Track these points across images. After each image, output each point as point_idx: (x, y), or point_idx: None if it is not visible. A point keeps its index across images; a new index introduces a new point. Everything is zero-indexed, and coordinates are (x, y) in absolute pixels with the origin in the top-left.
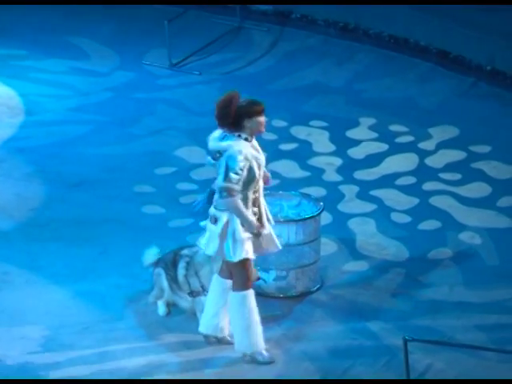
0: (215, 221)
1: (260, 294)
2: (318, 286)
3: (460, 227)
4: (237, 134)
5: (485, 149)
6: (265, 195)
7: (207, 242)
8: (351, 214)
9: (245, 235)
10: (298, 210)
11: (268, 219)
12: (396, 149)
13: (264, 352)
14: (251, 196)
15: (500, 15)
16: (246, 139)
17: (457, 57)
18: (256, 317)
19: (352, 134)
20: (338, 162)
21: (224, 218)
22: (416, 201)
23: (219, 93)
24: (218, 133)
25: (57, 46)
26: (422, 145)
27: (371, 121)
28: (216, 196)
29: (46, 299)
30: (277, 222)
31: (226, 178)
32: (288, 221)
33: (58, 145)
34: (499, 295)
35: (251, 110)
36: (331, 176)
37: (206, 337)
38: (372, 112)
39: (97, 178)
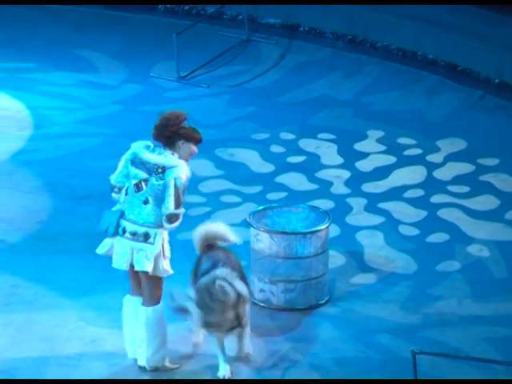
0: (146, 239)
1: (268, 307)
2: (326, 298)
3: (468, 240)
4: (170, 152)
5: (493, 161)
6: (273, 207)
7: (133, 260)
8: (359, 226)
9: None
10: (306, 223)
11: None
12: (404, 161)
13: (168, 362)
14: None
15: (508, 28)
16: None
17: (465, 70)
18: (166, 333)
19: (360, 146)
20: (346, 174)
21: (161, 234)
22: (424, 213)
23: (227, 105)
24: (141, 144)
25: (65, 59)
26: (430, 157)
27: (379, 133)
28: (140, 212)
29: (54, 312)
30: (285, 234)
31: (177, 204)
32: (296, 233)
33: (66, 158)
34: (508, 308)
35: (191, 134)
36: (339, 189)
37: (155, 369)
38: (380, 125)
39: (105, 191)
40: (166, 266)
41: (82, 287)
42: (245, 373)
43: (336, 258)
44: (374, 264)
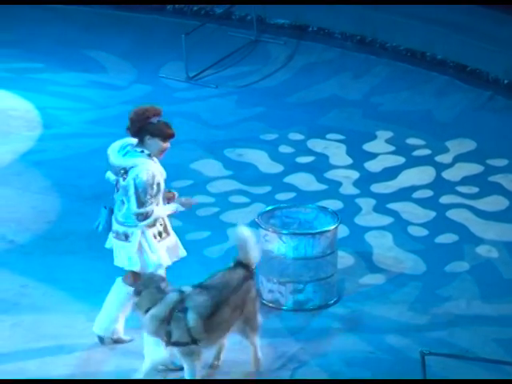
0: (126, 237)
1: (277, 308)
2: (335, 299)
3: (477, 240)
4: (140, 149)
5: (502, 162)
6: (282, 208)
7: (121, 258)
8: (368, 227)
9: (158, 246)
10: (314, 223)
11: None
12: (413, 162)
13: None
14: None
15: None
16: (148, 155)
17: (474, 70)
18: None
19: (369, 147)
20: (354, 175)
21: (137, 233)
22: (433, 214)
23: (236, 106)
24: (117, 145)
25: (74, 60)
26: (439, 158)
27: (388, 134)
28: (120, 212)
29: (63, 312)
30: (294, 234)
31: (140, 203)
32: (305, 234)
33: (74, 158)
34: None
35: (157, 130)
36: (348, 189)
37: (101, 338)
38: (389, 125)
39: (113, 192)
40: (156, 259)
41: (90, 287)
42: (253, 373)
43: (345, 259)
44: (383, 265)
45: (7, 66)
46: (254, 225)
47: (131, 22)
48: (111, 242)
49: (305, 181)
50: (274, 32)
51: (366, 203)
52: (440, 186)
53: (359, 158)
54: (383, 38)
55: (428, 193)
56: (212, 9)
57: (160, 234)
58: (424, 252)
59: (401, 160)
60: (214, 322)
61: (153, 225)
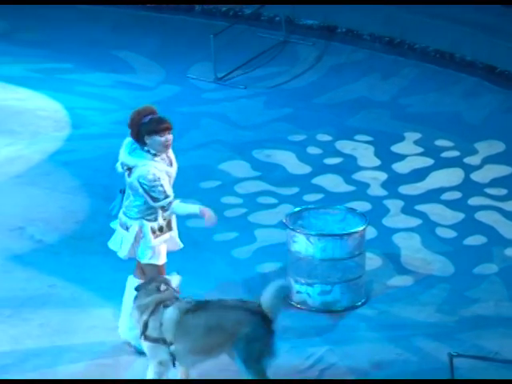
0: (126, 228)
1: (305, 309)
2: (363, 300)
3: (506, 243)
4: (146, 148)
5: None
6: (310, 209)
7: (119, 246)
8: (396, 228)
9: (155, 242)
10: (342, 225)
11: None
12: (441, 164)
13: None
14: None
15: None
16: (154, 155)
17: (503, 71)
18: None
19: (397, 148)
20: (383, 176)
21: (135, 226)
22: (461, 216)
23: (264, 107)
24: (130, 140)
25: (103, 60)
26: (468, 160)
27: (416, 135)
28: (126, 202)
29: (91, 312)
30: (322, 236)
31: (154, 200)
32: (333, 235)
33: (103, 158)
34: None
35: (150, 127)
36: (376, 190)
37: (127, 343)
38: (417, 127)
39: None
40: (149, 255)
41: (118, 287)
42: (280, 373)
43: (373, 260)
44: (411, 266)
45: (36, 66)
46: (281, 226)
47: (160, 22)
48: (115, 224)
49: (333, 182)
50: (302, 33)
51: (394, 205)
52: (468, 187)
53: (387, 159)
54: (412, 39)
55: (456, 194)
56: (241, 9)
57: (161, 228)
58: (452, 254)
59: (429, 161)
60: (198, 343)
61: (154, 219)
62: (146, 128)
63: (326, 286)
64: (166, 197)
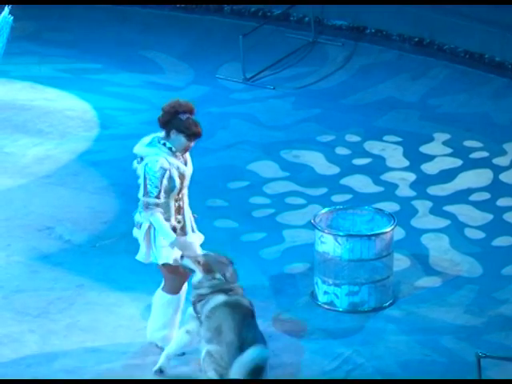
0: (140, 226)
1: (332, 309)
2: (391, 301)
3: None
4: (163, 141)
5: None
6: (338, 209)
7: (139, 249)
8: (424, 229)
9: (165, 242)
10: (370, 225)
11: (192, 228)
12: (470, 164)
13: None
14: (173, 204)
15: None
16: (170, 149)
17: None
18: (175, 320)
19: (426, 149)
20: (411, 177)
21: (145, 224)
22: (490, 217)
23: (293, 107)
24: (147, 139)
25: (132, 60)
26: (497, 160)
27: (445, 136)
28: (139, 202)
29: (119, 312)
30: (350, 236)
31: (145, 192)
32: (361, 236)
33: (131, 158)
34: None
35: (183, 126)
36: (404, 191)
37: (155, 344)
38: (446, 127)
39: None
40: (162, 254)
41: (146, 288)
42: (306, 374)
43: (401, 261)
44: (439, 267)
45: (65, 66)
46: (309, 226)
47: (189, 23)
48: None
49: (361, 183)
50: (331, 33)
51: (423, 205)
52: (497, 188)
53: (416, 160)
54: (441, 39)
55: (485, 195)
56: (270, 10)
57: (174, 229)
58: (481, 255)
59: (458, 162)
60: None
61: (166, 219)
62: (180, 124)
63: (354, 287)
64: (157, 197)
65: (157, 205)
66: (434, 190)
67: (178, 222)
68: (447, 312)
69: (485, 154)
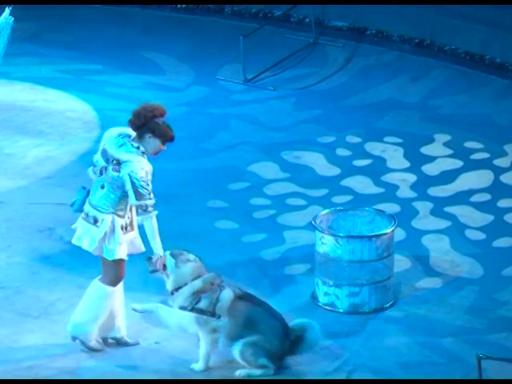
0: (95, 222)
1: (333, 310)
2: (391, 302)
3: None
4: (136, 144)
5: None
6: (339, 211)
7: (83, 239)
8: (425, 230)
9: (123, 238)
10: (371, 226)
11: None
12: (471, 165)
13: (93, 341)
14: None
15: None
16: (143, 153)
17: None
18: (105, 314)
19: (427, 150)
20: (412, 178)
21: (108, 220)
22: (491, 218)
23: (294, 108)
24: (115, 132)
25: (132, 61)
26: (498, 162)
27: (446, 137)
28: (96, 195)
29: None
30: (350, 237)
31: (138, 195)
32: (361, 237)
33: None
34: None
35: (161, 130)
36: (405, 192)
37: (104, 339)
38: (447, 128)
39: (170, 193)
40: (117, 251)
41: (149, 289)
42: (308, 375)
43: (401, 262)
44: (440, 268)
45: (66, 67)
46: (310, 227)
47: (189, 23)
48: (78, 222)
49: (362, 184)
50: (332, 34)
51: (423, 206)
52: (498, 189)
53: (417, 161)
54: (441, 40)
55: (486, 196)
56: (270, 11)
57: (126, 227)
58: (481, 256)
59: (459, 163)
60: (234, 328)
61: (122, 216)
62: (157, 128)
63: (354, 288)
64: (150, 198)
65: (153, 205)
66: (434, 191)
67: (128, 218)
68: (448, 313)
69: (485, 155)
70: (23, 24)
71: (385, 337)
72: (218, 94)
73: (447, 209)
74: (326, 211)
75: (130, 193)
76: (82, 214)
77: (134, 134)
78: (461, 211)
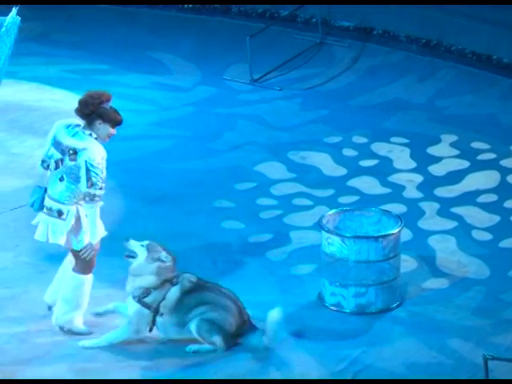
0: (59, 215)
1: (339, 311)
2: (398, 302)
3: None
4: (88, 132)
5: None
6: (345, 211)
7: (48, 233)
8: (431, 231)
9: (87, 227)
10: (378, 227)
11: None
12: (477, 166)
13: (80, 325)
14: None
15: None
16: (95, 139)
17: None
18: (85, 301)
19: (433, 150)
20: (418, 178)
21: (73, 211)
22: (497, 218)
23: (300, 108)
24: (63, 123)
25: (139, 61)
26: (504, 162)
27: (453, 138)
28: (56, 189)
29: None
30: (356, 238)
31: (89, 183)
32: (368, 237)
33: (138, 159)
34: None
35: (110, 115)
36: (412, 193)
37: (61, 327)
38: (454, 129)
39: (177, 193)
40: (85, 240)
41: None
42: (314, 375)
43: (408, 263)
44: (446, 269)
45: (72, 67)
46: (316, 227)
47: (196, 23)
48: (39, 218)
49: (368, 184)
50: (338, 34)
51: (430, 207)
52: (505, 190)
53: (423, 161)
54: (448, 41)
55: (492, 197)
56: (277, 11)
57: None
58: (488, 256)
59: (465, 164)
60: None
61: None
62: (105, 114)
63: (361, 288)
64: (101, 188)
65: (100, 196)
66: (441, 192)
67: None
68: (454, 313)
69: (492, 155)
70: (30, 24)
71: (391, 337)
72: (225, 93)
73: (454, 209)
74: (333, 211)
75: (83, 180)
76: (44, 210)
77: (82, 122)
78: (467, 212)
